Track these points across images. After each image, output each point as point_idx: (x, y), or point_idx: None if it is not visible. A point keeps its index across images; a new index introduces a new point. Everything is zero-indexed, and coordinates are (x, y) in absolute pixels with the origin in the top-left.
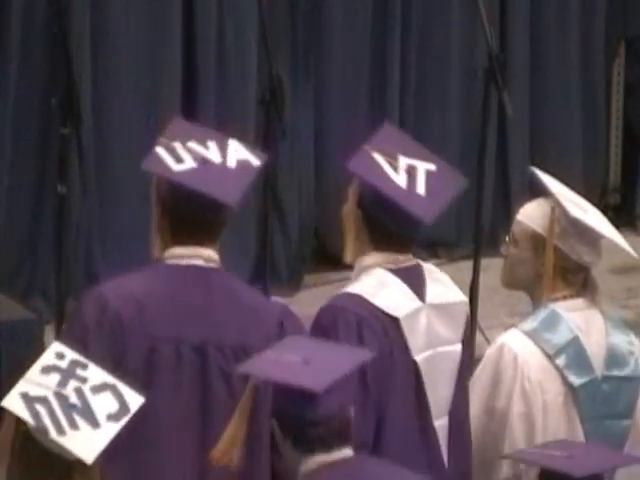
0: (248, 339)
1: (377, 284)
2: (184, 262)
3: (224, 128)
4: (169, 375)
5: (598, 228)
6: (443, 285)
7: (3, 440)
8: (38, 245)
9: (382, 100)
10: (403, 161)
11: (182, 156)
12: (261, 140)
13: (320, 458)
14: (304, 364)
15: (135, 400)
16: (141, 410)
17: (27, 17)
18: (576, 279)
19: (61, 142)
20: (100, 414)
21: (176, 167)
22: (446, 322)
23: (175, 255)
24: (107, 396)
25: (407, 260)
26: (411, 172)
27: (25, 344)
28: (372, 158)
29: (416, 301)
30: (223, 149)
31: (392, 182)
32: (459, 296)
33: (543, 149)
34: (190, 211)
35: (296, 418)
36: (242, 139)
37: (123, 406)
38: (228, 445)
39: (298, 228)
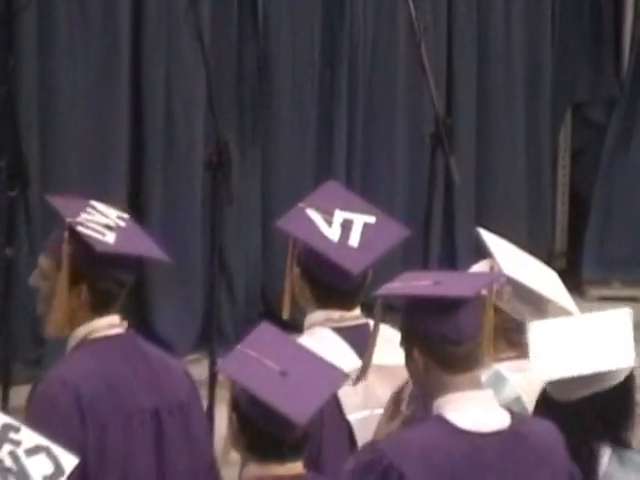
0: (180, 396)
1: (315, 342)
2: (111, 332)
3: (171, 193)
4: (139, 444)
5: (537, 287)
6: (391, 346)
7: None
8: None
9: (329, 166)
10: (340, 215)
11: None
12: (208, 205)
13: (272, 468)
14: (282, 376)
15: (69, 461)
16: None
17: None
18: (520, 339)
19: (8, 205)
20: (36, 477)
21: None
22: (386, 384)
23: (96, 328)
24: (41, 458)
25: (354, 318)
26: (346, 225)
27: None
28: (304, 215)
29: (355, 361)
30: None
31: (322, 236)
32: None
33: (489, 214)
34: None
35: (264, 433)
36: (189, 204)
37: (58, 468)
38: (228, 447)
39: (245, 291)
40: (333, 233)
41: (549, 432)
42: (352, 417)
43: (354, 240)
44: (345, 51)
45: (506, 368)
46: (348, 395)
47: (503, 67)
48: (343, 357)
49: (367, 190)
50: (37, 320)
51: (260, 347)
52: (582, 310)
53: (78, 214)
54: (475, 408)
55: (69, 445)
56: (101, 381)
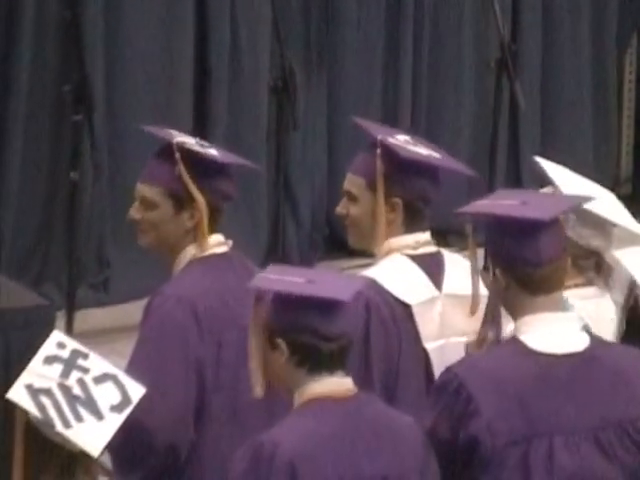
0: None
1: (394, 270)
2: (219, 250)
3: (237, 118)
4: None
5: (600, 211)
6: (465, 275)
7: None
8: (50, 232)
9: (395, 91)
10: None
11: None
12: (274, 130)
13: (325, 382)
14: (310, 283)
15: (137, 390)
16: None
17: (40, 3)
18: (587, 264)
19: (74, 129)
20: (103, 405)
21: None
22: (463, 313)
23: (206, 247)
24: (109, 387)
25: (427, 244)
26: (415, 144)
27: (37, 330)
28: (399, 142)
29: (432, 289)
30: None
31: (427, 154)
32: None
33: (554, 140)
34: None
35: (312, 332)
36: (255, 128)
37: (125, 397)
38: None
39: (310, 216)
40: (429, 152)
41: (630, 357)
42: (429, 346)
43: (436, 153)
44: None
45: (574, 296)
46: (425, 324)
47: None
48: (420, 285)
49: (433, 116)
50: (102, 244)
51: (280, 272)
52: None
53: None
54: (551, 329)
55: (187, 358)
56: (215, 297)
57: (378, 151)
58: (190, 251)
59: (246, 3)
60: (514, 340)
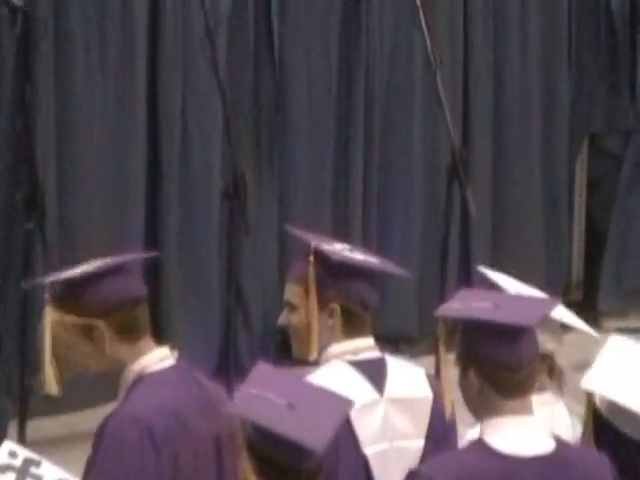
0: (232, 423)
1: (332, 376)
2: (165, 365)
3: (188, 223)
4: (206, 471)
5: (554, 315)
6: (409, 379)
7: None
8: (2, 341)
9: (345, 197)
10: (342, 247)
11: None
12: (225, 235)
13: None
14: (290, 409)
15: None
16: None
17: None
18: (541, 369)
19: (25, 237)
20: None
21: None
22: (406, 417)
23: (150, 363)
24: None
25: (370, 349)
26: (355, 251)
27: None
28: (330, 248)
29: (372, 394)
30: None
31: (363, 259)
32: (424, 391)
33: (506, 245)
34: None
35: (284, 466)
36: (207, 233)
37: None
38: None
39: (262, 323)
40: (364, 257)
41: (596, 461)
42: (369, 451)
43: (375, 260)
44: (361, 82)
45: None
46: (364, 428)
47: (519, 98)
48: (360, 391)
49: (383, 222)
50: None
51: (263, 385)
52: (597, 342)
53: None
54: (517, 432)
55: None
56: (170, 413)
57: (311, 257)
58: (134, 369)
59: (197, 106)
60: (480, 442)
